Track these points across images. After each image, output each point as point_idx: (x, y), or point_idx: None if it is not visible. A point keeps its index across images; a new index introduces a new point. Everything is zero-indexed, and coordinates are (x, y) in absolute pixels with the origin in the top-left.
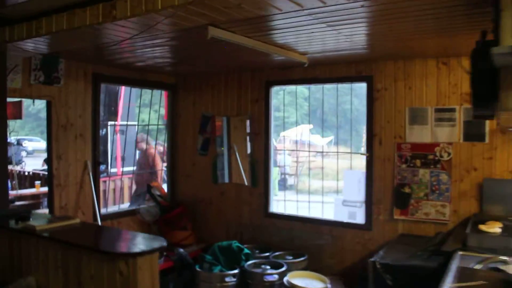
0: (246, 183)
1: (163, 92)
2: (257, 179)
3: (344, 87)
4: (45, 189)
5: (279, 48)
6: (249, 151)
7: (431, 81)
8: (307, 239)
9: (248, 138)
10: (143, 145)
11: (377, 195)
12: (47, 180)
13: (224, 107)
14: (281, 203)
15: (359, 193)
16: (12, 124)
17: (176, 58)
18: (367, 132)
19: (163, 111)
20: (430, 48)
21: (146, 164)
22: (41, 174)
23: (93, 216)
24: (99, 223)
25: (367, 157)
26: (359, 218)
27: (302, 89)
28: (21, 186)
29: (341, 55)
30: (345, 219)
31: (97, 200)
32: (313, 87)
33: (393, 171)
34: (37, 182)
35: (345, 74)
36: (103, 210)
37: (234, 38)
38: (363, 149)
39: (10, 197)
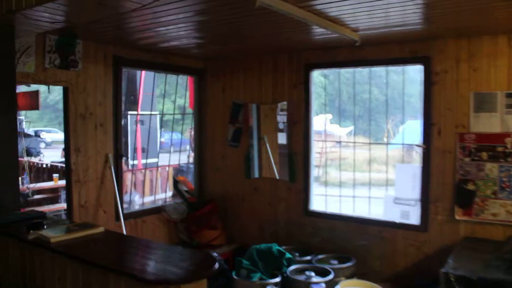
0: (277, 177)
1: (185, 79)
2: (295, 173)
3: (362, 75)
4: (63, 182)
5: (331, 23)
6: (285, 142)
7: (502, 61)
8: (352, 240)
9: (285, 127)
10: None
11: (435, 192)
12: (65, 175)
13: (258, 94)
14: (317, 197)
15: (413, 190)
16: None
17: (203, 37)
18: (424, 122)
19: (180, 100)
20: (500, 23)
21: None
22: (59, 167)
23: (116, 214)
24: (122, 222)
25: (423, 149)
26: (413, 218)
27: (320, 78)
28: (39, 179)
29: (393, 32)
30: (396, 218)
31: (119, 196)
32: (331, 75)
33: (454, 165)
34: (55, 175)
35: (397, 55)
36: (125, 206)
37: (285, 7)
38: (386, 139)
39: (27, 191)
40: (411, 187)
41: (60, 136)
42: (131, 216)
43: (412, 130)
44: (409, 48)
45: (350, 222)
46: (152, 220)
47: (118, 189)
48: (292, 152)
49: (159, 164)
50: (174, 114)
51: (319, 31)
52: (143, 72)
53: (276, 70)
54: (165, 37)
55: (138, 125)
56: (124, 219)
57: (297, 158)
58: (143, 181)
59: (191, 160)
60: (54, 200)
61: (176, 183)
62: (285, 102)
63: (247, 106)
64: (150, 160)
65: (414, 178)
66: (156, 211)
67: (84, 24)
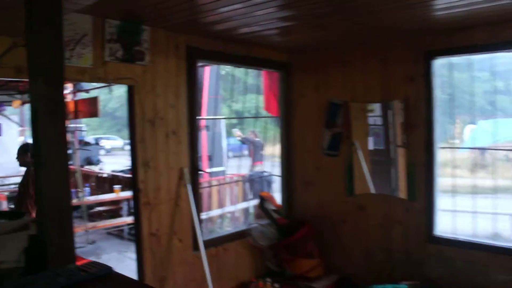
0: (372, 191)
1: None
2: (415, 189)
3: None
4: (125, 194)
5: None
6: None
7: None
8: (491, 274)
9: (400, 131)
10: None
11: None
12: (132, 196)
13: (364, 90)
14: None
15: None
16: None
17: (290, 17)
18: None
19: (236, 105)
20: None
21: None
22: (120, 177)
23: (193, 243)
24: (202, 252)
25: None
26: None
27: None
28: (100, 189)
29: None
30: None
31: (198, 220)
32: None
33: None
34: (116, 187)
35: None
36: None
37: None
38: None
39: (89, 203)
40: None
41: (119, 142)
42: (211, 243)
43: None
44: None
45: (494, 253)
46: (235, 247)
47: (196, 211)
48: (410, 163)
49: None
50: (254, 117)
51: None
52: (207, 71)
53: (386, 60)
54: (244, 19)
55: (204, 131)
56: (203, 247)
57: (417, 171)
58: (209, 192)
59: (258, 168)
60: (116, 213)
61: (262, 200)
62: (396, 101)
63: (348, 106)
64: (215, 169)
65: None
66: (240, 236)
67: (150, 4)
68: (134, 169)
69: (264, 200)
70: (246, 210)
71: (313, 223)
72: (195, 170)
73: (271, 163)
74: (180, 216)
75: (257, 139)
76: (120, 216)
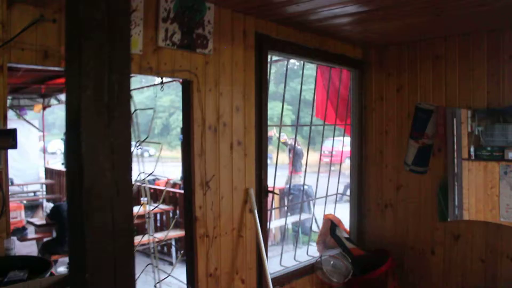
0: (501, 220)
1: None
2: None
3: None
4: (151, 207)
5: None
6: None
7: None
8: None
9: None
10: None
11: None
12: (186, 226)
13: (463, 93)
14: None
15: None
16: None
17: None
18: None
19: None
20: None
21: None
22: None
23: (258, 283)
24: None
25: None
26: None
27: None
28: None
29: None
30: None
31: (265, 255)
32: None
33: None
34: (144, 199)
35: None
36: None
37: None
38: None
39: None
40: None
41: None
42: (276, 282)
43: None
44: None
45: None
46: (303, 284)
47: (264, 244)
48: None
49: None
50: (310, 125)
51: None
52: None
53: (495, 55)
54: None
55: None
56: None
57: None
58: None
59: (297, 180)
60: (141, 228)
61: (333, 226)
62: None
63: (442, 112)
64: None
65: None
66: (308, 270)
67: None
68: (189, 191)
69: (335, 225)
70: (284, 228)
71: (391, 253)
72: (263, 191)
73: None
74: (243, 251)
75: (299, 146)
76: (145, 231)
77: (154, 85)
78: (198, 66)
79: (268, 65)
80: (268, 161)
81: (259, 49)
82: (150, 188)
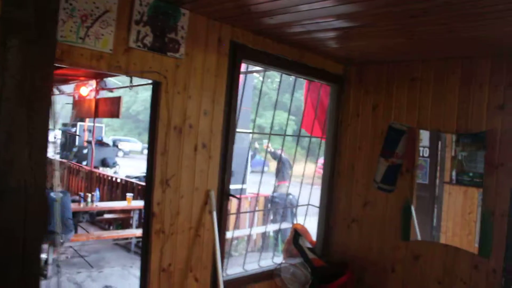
0: (476, 245)
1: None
2: (491, 244)
3: None
4: (137, 203)
5: None
6: (480, 196)
7: None
8: None
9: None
10: None
11: None
12: (143, 223)
13: (435, 116)
14: None
15: None
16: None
17: (352, 16)
18: None
19: (260, 119)
20: None
21: None
22: (134, 184)
23: (212, 283)
24: None
25: None
26: None
27: None
28: (112, 195)
29: None
30: None
31: (221, 256)
32: None
33: None
34: (129, 195)
35: None
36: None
37: None
38: None
39: (98, 210)
40: None
41: (139, 146)
42: (233, 284)
43: None
44: None
45: None
46: None
47: (219, 246)
48: (486, 210)
49: (247, 191)
50: (293, 135)
51: None
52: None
53: (468, 81)
54: (298, 13)
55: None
56: None
57: (496, 221)
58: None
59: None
60: (125, 224)
61: (296, 235)
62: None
63: (414, 133)
64: (234, 186)
65: None
66: (267, 276)
67: None
68: (149, 187)
69: (298, 235)
70: (264, 235)
71: (353, 268)
72: (225, 194)
73: (298, 185)
74: (200, 250)
75: (285, 156)
76: (129, 226)
77: (125, 87)
78: (168, 68)
79: (263, 73)
80: (265, 169)
81: (233, 57)
82: (139, 184)
